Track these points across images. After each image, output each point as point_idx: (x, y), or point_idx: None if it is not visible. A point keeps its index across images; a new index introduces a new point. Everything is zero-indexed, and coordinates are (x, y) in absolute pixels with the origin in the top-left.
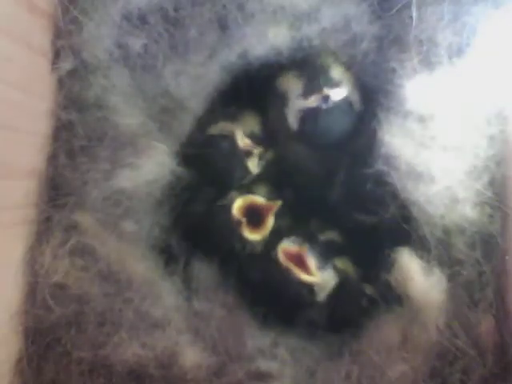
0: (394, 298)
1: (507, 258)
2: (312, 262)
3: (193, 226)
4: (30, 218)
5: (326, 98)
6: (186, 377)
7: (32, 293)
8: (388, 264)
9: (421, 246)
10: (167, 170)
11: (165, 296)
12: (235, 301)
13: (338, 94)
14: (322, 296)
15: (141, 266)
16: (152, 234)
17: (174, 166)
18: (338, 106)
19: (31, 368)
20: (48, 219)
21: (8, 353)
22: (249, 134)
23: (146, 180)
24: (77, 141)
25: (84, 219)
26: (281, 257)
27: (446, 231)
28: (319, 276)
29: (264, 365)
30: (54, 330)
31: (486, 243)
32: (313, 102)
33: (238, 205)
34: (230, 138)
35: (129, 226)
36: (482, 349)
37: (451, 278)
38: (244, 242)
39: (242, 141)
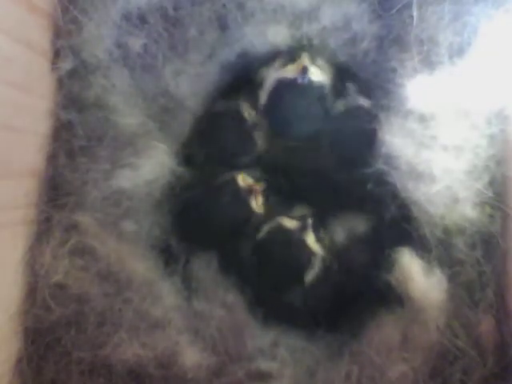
0: (394, 298)
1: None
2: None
3: (193, 207)
4: (30, 218)
5: (305, 70)
6: (186, 377)
7: (32, 293)
8: (388, 264)
9: (421, 246)
10: (167, 169)
11: (165, 296)
12: (235, 300)
13: (316, 73)
14: (315, 270)
15: (141, 266)
16: (152, 234)
17: (174, 166)
18: (313, 90)
19: (31, 368)
20: (48, 219)
21: (8, 353)
22: (253, 107)
23: (145, 180)
24: (76, 141)
25: (84, 219)
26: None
27: (447, 231)
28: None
29: (264, 365)
30: (54, 330)
31: (487, 243)
32: (291, 71)
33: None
34: (236, 113)
35: (129, 225)
36: (483, 349)
37: (451, 278)
38: (251, 214)
39: (249, 114)
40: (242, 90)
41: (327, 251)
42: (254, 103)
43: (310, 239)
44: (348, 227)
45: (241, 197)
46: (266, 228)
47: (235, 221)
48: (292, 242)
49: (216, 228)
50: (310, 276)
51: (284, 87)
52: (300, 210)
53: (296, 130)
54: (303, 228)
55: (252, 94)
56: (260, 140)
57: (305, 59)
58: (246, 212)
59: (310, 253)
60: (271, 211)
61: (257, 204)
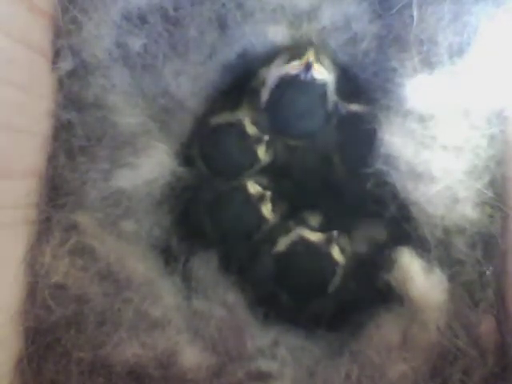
0: (394, 297)
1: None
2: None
3: (202, 213)
4: (30, 218)
5: (309, 67)
6: (185, 377)
7: (32, 293)
8: (388, 264)
9: (421, 246)
10: (167, 169)
11: (164, 296)
12: (235, 300)
13: (320, 72)
14: (337, 280)
15: (141, 265)
16: (152, 233)
17: (174, 166)
18: (315, 87)
19: (31, 368)
20: (48, 219)
21: (8, 353)
22: (254, 122)
23: (145, 180)
24: (76, 141)
25: (83, 219)
26: None
27: (446, 231)
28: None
29: (264, 365)
30: (54, 330)
31: (487, 243)
32: (294, 67)
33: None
34: (238, 126)
35: (128, 225)
36: (483, 349)
37: (451, 278)
38: (261, 220)
39: (251, 128)
40: (243, 101)
41: (348, 259)
42: (256, 118)
43: (335, 251)
44: (363, 233)
45: (252, 204)
46: (285, 240)
47: (246, 228)
48: (319, 256)
49: (226, 234)
50: (333, 286)
51: (286, 84)
52: (312, 217)
53: (298, 128)
54: (329, 241)
55: (253, 107)
56: (262, 154)
57: (311, 55)
58: (257, 219)
59: (335, 264)
60: (282, 218)
61: (267, 211)
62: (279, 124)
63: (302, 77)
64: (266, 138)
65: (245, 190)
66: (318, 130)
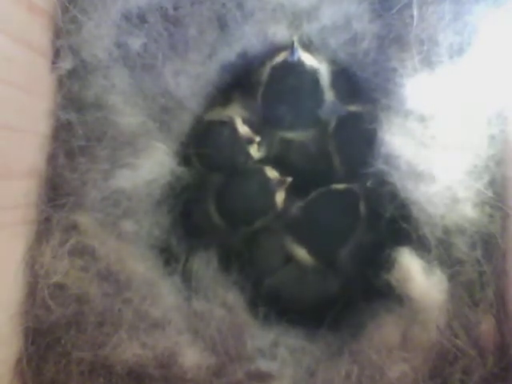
0: (394, 297)
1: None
2: None
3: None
4: (30, 218)
5: (294, 50)
6: (185, 377)
7: (32, 293)
8: (388, 264)
9: (421, 246)
10: (167, 169)
11: (165, 296)
12: (235, 300)
13: (308, 57)
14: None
15: (140, 265)
16: (152, 233)
17: (174, 166)
18: (306, 72)
19: (31, 368)
20: (48, 219)
21: (8, 353)
22: (246, 121)
23: (145, 180)
24: (76, 141)
25: (83, 219)
26: None
27: (447, 231)
28: None
29: (264, 365)
30: (54, 330)
31: (487, 243)
32: (282, 55)
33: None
34: (230, 125)
35: (128, 226)
36: (483, 349)
37: (451, 277)
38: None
39: (242, 128)
40: (235, 97)
41: None
42: (248, 116)
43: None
44: None
45: (269, 188)
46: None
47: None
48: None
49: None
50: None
51: (278, 72)
52: None
53: (292, 118)
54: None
55: (245, 104)
56: (255, 152)
57: (295, 40)
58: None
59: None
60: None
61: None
62: (273, 115)
63: (290, 59)
64: (258, 139)
65: (263, 173)
66: (312, 122)
